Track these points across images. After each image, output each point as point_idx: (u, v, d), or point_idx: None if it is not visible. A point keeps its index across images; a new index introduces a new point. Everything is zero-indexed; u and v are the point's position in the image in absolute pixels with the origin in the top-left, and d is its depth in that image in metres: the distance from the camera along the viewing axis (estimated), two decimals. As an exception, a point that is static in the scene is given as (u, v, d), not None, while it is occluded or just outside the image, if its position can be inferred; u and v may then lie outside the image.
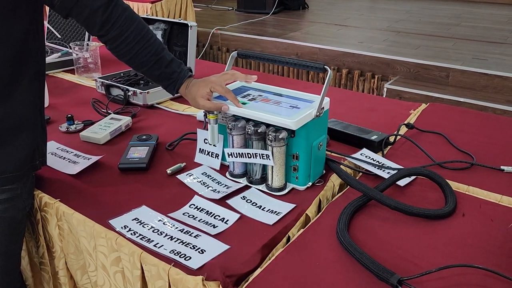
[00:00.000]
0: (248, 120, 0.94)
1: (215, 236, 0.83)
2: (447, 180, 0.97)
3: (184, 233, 0.83)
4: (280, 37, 4.00)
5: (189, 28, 1.49)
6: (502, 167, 1.05)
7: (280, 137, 0.89)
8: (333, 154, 1.10)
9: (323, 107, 0.93)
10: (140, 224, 0.86)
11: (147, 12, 3.77)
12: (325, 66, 0.91)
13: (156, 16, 3.79)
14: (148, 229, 0.84)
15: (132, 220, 0.87)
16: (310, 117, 0.91)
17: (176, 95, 1.02)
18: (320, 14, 5.09)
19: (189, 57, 1.52)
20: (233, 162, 0.99)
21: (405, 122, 1.25)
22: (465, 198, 0.94)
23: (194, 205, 0.92)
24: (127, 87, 1.43)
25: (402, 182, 0.98)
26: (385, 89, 3.24)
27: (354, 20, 4.71)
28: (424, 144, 1.17)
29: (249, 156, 0.94)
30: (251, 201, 0.93)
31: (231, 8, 5.29)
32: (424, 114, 1.39)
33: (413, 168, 0.97)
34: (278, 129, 0.90)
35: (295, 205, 0.92)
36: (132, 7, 3.83)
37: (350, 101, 1.50)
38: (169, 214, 0.89)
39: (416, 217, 0.87)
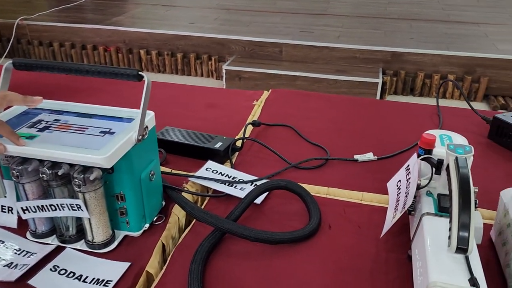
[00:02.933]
0: (41, 159, 0.66)
1: None
2: (307, 186, 0.84)
3: None
4: (102, 24, 3.56)
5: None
6: (355, 157, 0.97)
7: (91, 178, 0.64)
8: (172, 175, 0.89)
9: (146, 127, 0.70)
10: None
11: None
12: (139, 73, 0.67)
13: None
14: None
15: None
16: (130, 144, 0.67)
17: None
18: (145, -5, 4.72)
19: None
20: (33, 218, 0.71)
21: (251, 121, 1.10)
22: (327, 204, 0.83)
23: (-25, 300, 0.62)
24: None
25: (258, 200, 0.82)
26: (223, 71, 3.13)
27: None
28: (275, 142, 1.03)
29: (53, 208, 0.67)
30: (66, 272, 0.66)
31: (39, -7, 4.56)
32: (268, 103, 1.26)
33: (267, 182, 0.82)
34: (87, 167, 0.65)
35: (129, 263, 0.68)
36: None
37: (185, 98, 1.30)
38: None
39: (283, 243, 0.72)
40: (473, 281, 0.52)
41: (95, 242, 0.70)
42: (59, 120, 0.72)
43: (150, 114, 0.72)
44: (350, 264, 0.69)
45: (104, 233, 0.70)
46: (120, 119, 0.72)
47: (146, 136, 0.70)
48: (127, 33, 3.47)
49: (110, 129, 0.69)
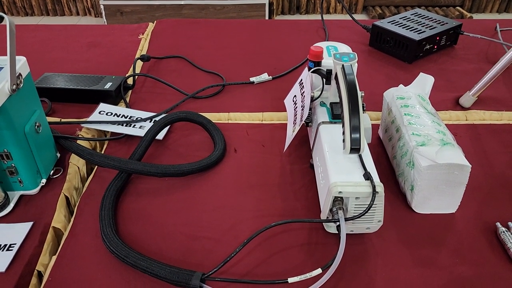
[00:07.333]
0: None
1: None
2: (208, 115, 0.84)
3: None
4: None
5: None
6: (251, 79, 0.98)
7: (-35, 140, 0.57)
8: (62, 124, 0.82)
9: (19, 74, 0.63)
10: None
11: None
12: (-3, 13, 0.59)
13: None
14: None
15: None
16: (3, 96, 0.60)
17: None
18: None
19: None
20: None
21: (139, 56, 1.03)
22: (230, 129, 0.84)
23: None
24: None
25: (160, 135, 0.80)
26: (102, 7, 2.86)
27: None
28: (168, 74, 1.00)
29: None
30: (-41, 245, 0.61)
31: None
32: (155, 36, 1.20)
33: (166, 116, 0.79)
34: (-44, 129, 0.57)
35: (32, 222, 0.64)
36: None
37: (62, 39, 1.18)
38: None
39: (191, 174, 0.73)
40: (367, 175, 0.57)
41: (-14, 209, 0.64)
42: None
43: (22, 60, 0.64)
44: (259, 182, 0.72)
45: (-5, 197, 0.64)
46: (-13, 69, 0.63)
47: (22, 85, 0.63)
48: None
49: (-24, 82, 0.61)
